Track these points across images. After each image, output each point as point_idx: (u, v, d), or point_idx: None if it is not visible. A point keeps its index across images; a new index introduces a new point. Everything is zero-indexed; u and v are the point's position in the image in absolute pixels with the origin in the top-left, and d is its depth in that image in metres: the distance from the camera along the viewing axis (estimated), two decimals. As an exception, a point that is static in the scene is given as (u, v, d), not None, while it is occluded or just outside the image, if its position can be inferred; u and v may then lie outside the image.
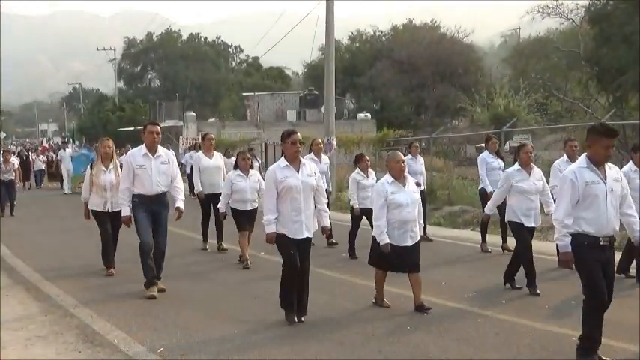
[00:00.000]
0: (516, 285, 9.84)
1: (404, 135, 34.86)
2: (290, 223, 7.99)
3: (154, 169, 9.74)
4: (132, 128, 53.37)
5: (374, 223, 8.72)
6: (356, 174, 12.87)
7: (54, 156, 39.12)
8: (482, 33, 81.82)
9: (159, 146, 9.92)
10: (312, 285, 8.39)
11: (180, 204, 9.95)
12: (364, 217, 12.58)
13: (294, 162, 8.08)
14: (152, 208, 9.73)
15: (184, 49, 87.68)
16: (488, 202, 10.85)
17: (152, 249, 9.62)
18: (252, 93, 57.05)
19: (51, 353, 7.17)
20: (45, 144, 73.28)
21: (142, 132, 9.88)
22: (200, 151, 14.14)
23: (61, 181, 32.39)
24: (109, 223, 11.48)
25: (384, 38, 56.27)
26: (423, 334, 7.65)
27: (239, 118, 58.60)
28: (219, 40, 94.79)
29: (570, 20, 40.49)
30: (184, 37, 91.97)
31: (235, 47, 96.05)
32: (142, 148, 9.81)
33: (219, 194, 12.82)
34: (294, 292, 8.10)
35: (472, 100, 38.36)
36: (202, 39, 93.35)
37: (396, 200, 8.51)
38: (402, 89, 48.33)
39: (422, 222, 9.06)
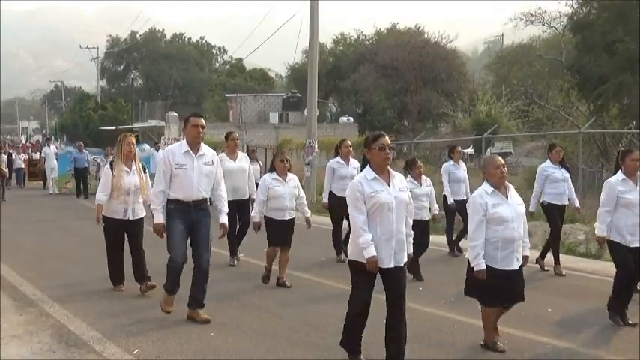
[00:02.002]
0: (630, 321, 8.43)
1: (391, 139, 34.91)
2: (378, 249, 6.36)
3: (197, 169, 8.22)
4: (114, 127, 53.13)
5: (468, 244, 7.25)
6: (407, 182, 12.37)
7: (36, 154, 38.69)
8: (466, 39, 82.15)
9: (202, 144, 8.40)
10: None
11: (225, 218, 8.55)
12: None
13: (384, 173, 6.51)
14: (190, 216, 8.23)
15: (168, 49, 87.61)
16: (598, 223, 8.77)
17: (183, 267, 8.30)
18: (234, 94, 56.95)
19: (26, 353, 7.13)
20: (24, 142, 72.82)
21: (184, 125, 8.51)
22: (222, 153, 12.29)
23: (44, 181, 31.99)
24: (123, 233, 9.96)
25: (367, 42, 56.30)
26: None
27: (221, 119, 58.43)
28: (203, 41, 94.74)
29: (553, 28, 40.79)
30: (168, 37, 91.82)
31: (219, 48, 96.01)
32: (183, 145, 8.32)
33: (245, 200, 12.08)
34: (360, 335, 6.69)
35: (454, 105, 38.51)
36: (186, 39, 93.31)
37: (499, 214, 7.10)
38: (384, 93, 48.39)
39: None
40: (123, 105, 64.63)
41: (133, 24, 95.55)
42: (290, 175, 10.61)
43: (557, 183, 11.89)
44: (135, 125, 54.82)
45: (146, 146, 32.42)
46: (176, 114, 48.05)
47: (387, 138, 6.53)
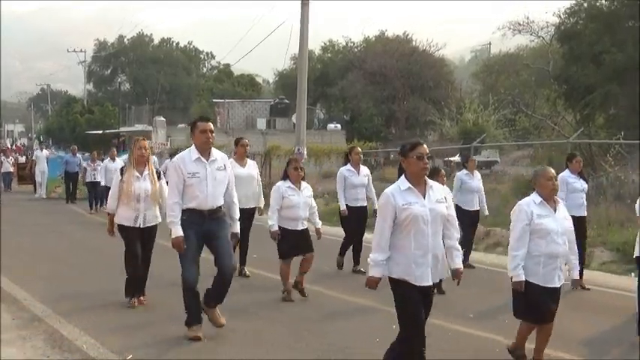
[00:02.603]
0: None
1: (374, 147, 35.06)
2: (413, 266, 5.90)
3: (210, 176, 7.75)
4: (100, 131, 53.02)
5: (510, 253, 6.84)
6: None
7: (22, 157, 38.45)
8: (453, 47, 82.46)
9: (213, 148, 7.93)
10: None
11: (237, 227, 8.16)
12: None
13: (420, 183, 6.01)
14: (204, 226, 7.74)
15: (156, 54, 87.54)
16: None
17: (196, 285, 7.73)
18: (222, 100, 56.95)
19: (19, 357, 7.13)
20: (8, 145, 72.45)
21: (191, 131, 7.92)
22: (231, 158, 11.08)
23: (34, 184, 31.78)
24: (139, 241, 9.43)
25: (356, 49, 56.41)
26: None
27: (209, 124, 58.37)
28: (191, 46, 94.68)
29: (541, 38, 40.97)
30: (156, 42, 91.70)
31: (207, 53, 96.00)
32: (193, 151, 7.81)
33: (254, 209, 11.69)
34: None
35: (442, 114, 38.67)
36: (174, 44, 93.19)
37: (544, 226, 6.76)
38: (372, 101, 48.47)
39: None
40: (110, 109, 64.47)
41: (122, 28, 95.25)
42: (304, 184, 10.22)
43: (576, 193, 11.50)
44: (122, 129, 54.70)
45: None
46: (163, 118, 48.14)
47: (425, 146, 6.04)
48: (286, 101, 49.58)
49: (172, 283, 9.23)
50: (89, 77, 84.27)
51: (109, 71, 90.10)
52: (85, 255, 14.32)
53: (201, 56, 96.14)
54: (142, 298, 9.39)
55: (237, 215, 8.18)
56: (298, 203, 9.96)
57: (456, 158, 36.87)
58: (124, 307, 9.24)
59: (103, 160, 23.54)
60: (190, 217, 7.71)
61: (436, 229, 5.99)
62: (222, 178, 7.90)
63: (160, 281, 10.08)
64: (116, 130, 54.12)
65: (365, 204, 12.65)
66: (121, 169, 9.69)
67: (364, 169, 12.68)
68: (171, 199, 7.77)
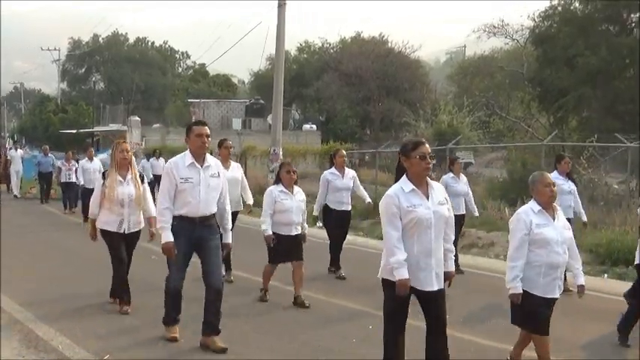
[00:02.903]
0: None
1: (350, 148, 35.10)
2: (416, 270, 5.74)
3: (203, 183, 7.49)
4: (74, 131, 52.64)
5: (508, 264, 6.61)
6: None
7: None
8: (429, 49, 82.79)
9: (207, 154, 7.69)
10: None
11: (229, 237, 7.92)
12: None
13: (422, 184, 5.86)
14: (195, 233, 7.50)
15: (130, 53, 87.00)
16: None
17: (180, 291, 7.69)
18: (197, 100, 56.79)
19: (-6, 358, 7.11)
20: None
21: (186, 134, 7.65)
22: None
23: (7, 184, 31.47)
24: (123, 247, 9.19)
25: (332, 50, 56.49)
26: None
27: (184, 124, 58.06)
28: (167, 45, 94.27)
29: (515, 41, 41.29)
30: (131, 41, 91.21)
31: (182, 53, 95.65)
32: (187, 156, 7.56)
33: (237, 213, 11.33)
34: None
35: (417, 115, 38.81)
36: (149, 43, 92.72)
37: (543, 236, 6.52)
38: (348, 102, 48.58)
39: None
40: (84, 108, 64.04)
41: (96, 27, 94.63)
42: (297, 188, 9.96)
43: (563, 195, 10.97)
44: (96, 129, 54.35)
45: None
46: (138, 118, 47.86)
47: (427, 145, 5.86)
48: (262, 102, 49.54)
49: (154, 287, 9.20)
50: (63, 76, 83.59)
51: (84, 70, 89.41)
52: (60, 256, 14.22)
53: (177, 56, 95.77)
54: (126, 308, 9.01)
55: (230, 225, 7.95)
56: (291, 207, 9.74)
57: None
58: (101, 308, 9.20)
59: (77, 160, 23.24)
60: (181, 223, 7.47)
61: (439, 231, 5.86)
62: (215, 185, 7.63)
63: (141, 285, 9.98)
64: (90, 130, 53.75)
65: (349, 208, 12.44)
66: (103, 173, 9.43)
67: (349, 172, 12.42)
68: (162, 204, 7.50)
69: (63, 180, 23.69)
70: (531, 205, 6.72)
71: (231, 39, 31.45)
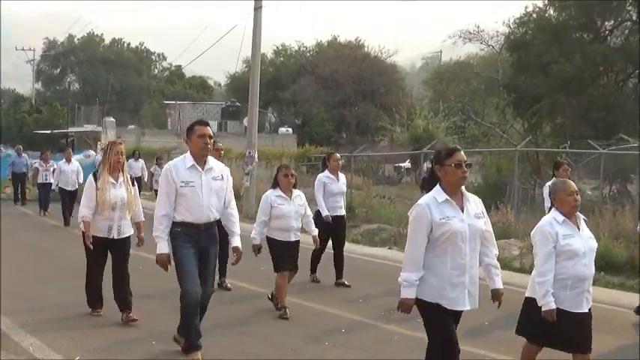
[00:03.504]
0: None
1: (325, 151, 35.13)
2: (448, 288, 5.33)
3: (205, 186, 7.03)
4: (49, 131, 52.30)
5: (536, 279, 6.09)
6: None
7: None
8: (405, 54, 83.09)
9: (209, 156, 7.22)
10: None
11: (238, 241, 7.30)
12: None
13: (457, 194, 5.44)
14: (200, 241, 7.06)
15: (106, 54, 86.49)
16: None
17: (199, 301, 6.96)
18: (173, 101, 56.69)
19: (-36, 359, 7.05)
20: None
21: (187, 135, 7.20)
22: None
23: None
24: (106, 253, 8.80)
25: (308, 54, 56.59)
26: (344, 351, 7.78)
27: (159, 126, 58.07)
28: (142, 47, 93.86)
29: (490, 47, 41.53)
30: (107, 42, 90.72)
31: (158, 55, 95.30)
32: (187, 158, 7.10)
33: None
34: None
35: (392, 119, 38.95)
36: (125, 44, 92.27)
37: (571, 247, 6.09)
38: (324, 105, 48.71)
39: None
40: (59, 109, 63.62)
41: (72, 27, 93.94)
42: (296, 192, 9.48)
43: None
44: (71, 130, 54.05)
45: (91, 152, 31.60)
46: (113, 119, 47.69)
47: (462, 152, 5.46)
48: (238, 104, 49.54)
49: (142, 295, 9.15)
50: (38, 76, 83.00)
51: (58, 70, 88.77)
52: (36, 258, 14.10)
53: (153, 57, 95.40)
54: (131, 314, 8.53)
55: (238, 229, 7.37)
56: (289, 212, 9.28)
57: (407, 164, 37.18)
58: (73, 308, 9.13)
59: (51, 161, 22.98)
60: (185, 230, 7.01)
61: (474, 246, 5.45)
62: (218, 189, 7.15)
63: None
64: (65, 131, 53.43)
65: (344, 213, 12.19)
66: (94, 174, 8.78)
67: (343, 177, 12.14)
68: (160, 210, 7.00)
69: (40, 181, 23.01)
70: (554, 216, 6.26)
71: (208, 41, 31.35)
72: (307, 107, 49.13)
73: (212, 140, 7.14)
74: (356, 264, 14.02)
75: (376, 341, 8.21)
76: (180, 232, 7.01)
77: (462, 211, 5.42)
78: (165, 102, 61.13)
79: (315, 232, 9.89)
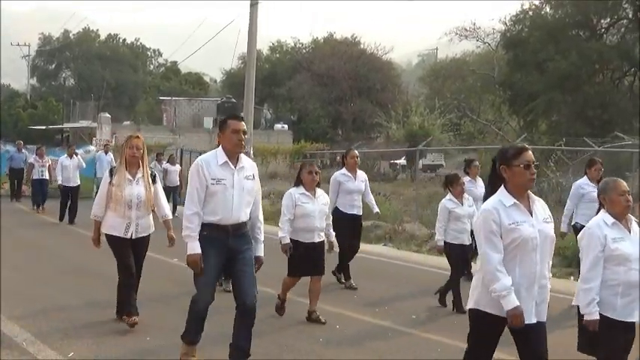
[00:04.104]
0: None
1: (320, 148, 35.19)
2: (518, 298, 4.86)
3: (237, 185, 6.51)
4: (44, 127, 52.20)
5: (581, 286, 5.59)
6: (447, 200, 9.98)
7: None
8: (401, 50, 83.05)
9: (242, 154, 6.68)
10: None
11: (262, 250, 6.86)
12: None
13: (524, 197, 5.03)
14: (228, 244, 6.51)
15: (101, 49, 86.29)
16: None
17: (206, 312, 6.60)
18: (169, 97, 56.57)
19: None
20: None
21: (219, 130, 6.68)
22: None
23: None
24: (131, 254, 8.23)
25: (304, 50, 56.55)
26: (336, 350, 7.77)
27: (155, 122, 57.99)
28: (138, 42, 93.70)
29: (486, 44, 41.59)
30: (102, 37, 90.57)
31: (154, 50, 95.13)
32: (219, 154, 6.55)
33: None
34: None
35: (388, 116, 38.98)
36: (121, 40, 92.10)
37: (621, 251, 5.54)
38: (319, 102, 48.68)
39: None
40: (54, 104, 63.47)
41: (67, 23, 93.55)
42: (319, 191, 8.89)
43: (592, 203, 9.38)
44: (66, 125, 53.94)
45: (91, 147, 31.31)
46: (108, 115, 47.53)
47: (530, 151, 5.03)
48: (233, 100, 49.42)
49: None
50: (33, 71, 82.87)
51: (54, 66, 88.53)
52: (34, 256, 13.97)
53: (148, 53, 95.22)
54: (134, 318, 8.03)
55: (262, 237, 6.92)
56: (313, 212, 8.68)
57: (402, 161, 37.19)
58: (66, 303, 9.10)
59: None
60: (212, 232, 6.48)
61: (544, 254, 4.99)
62: (250, 189, 6.65)
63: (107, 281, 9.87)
64: (60, 126, 53.33)
65: (361, 212, 11.49)
66: (110, 170, 8.33)
67: (361, 174, 11.48)
68: (190, 208, 6.46)
69: (36, 177, 22.41)
70: (603, 217, 5.71)
71: (204, 37, 31.33)
72: (303, 104, 49.11)
73: (246, 136, 6.63)
74: (352, 261, 13.98)
75: (376, 340, 8.18)
76: (207, 235, 6.46)
77: (531, 215, 5.00)
78: (161, 98, 60.99)
79: (333, 236, 9.30)
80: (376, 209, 11.89)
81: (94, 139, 42.23)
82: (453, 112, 38.11)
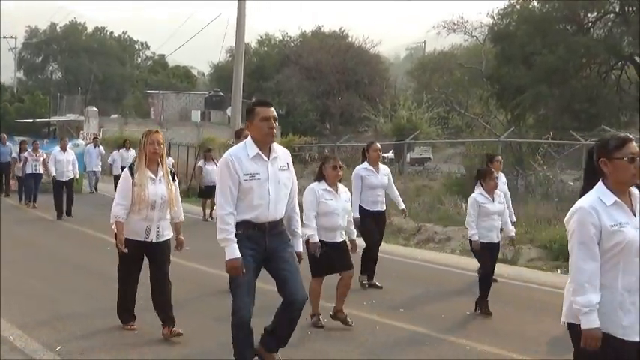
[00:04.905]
0: None
1: (309, 142, 35.16)
2: (620, 313, 4.14)
3: (272, 178, 5.96)
4: (31, 120, 52.02)
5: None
6: (477, 195, 9.32)
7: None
8: (389, 44, 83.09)
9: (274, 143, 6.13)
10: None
11: (300, 245, 6.41)
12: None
13: (625, 196, 4.29)
14: (264, 244, 5.97)
15: (89, 42, 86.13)
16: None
17: (250, 320, 5.92)
18: (156, 91, 56.47)
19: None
20: None
21: (248, 119, 6.07)
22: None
23: None
24: (142, 258, 7.64)
25: (292, 44, 56.50)
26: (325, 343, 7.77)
27: (142, 115, 57.82)
28: (126, 36, 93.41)
29: (474, 38, 41.59)
30: (89, 30, 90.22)
31: (142, 44, 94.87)
32: (249, 145, 5.99)
33: None
34: None
35: (376, 110, 38.98)
36: (108, 33, 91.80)
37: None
38: (308, 96, 48.70)
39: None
40: (41, 98, 63.32)
41: (54, 16, 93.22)
42: (342, 187, 8.38)
43: None
44: (53, 119, 53.76)
45: (80, 141, 30.96)
46: (96, 109, 47.44)
47: (635, 144, 4.26)
48: (221, 94, 49.46)
49: (107, 277, 9.08)
50: (19, 65, 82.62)
51: (41, 59, 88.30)
52: (31, 253, 13.74)
53: (136, 46, 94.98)
54: (174, 328, 7.43)
55: (300, 230, 6.50)
56: (336, 209, 8.12)
57: (390, 154, 37.24)
58: (52, 297, 9.10)
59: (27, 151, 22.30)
60: (247, 232, 5.92)
61: None
62: (285, 181, 6.10)
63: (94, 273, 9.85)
64: (47, 120, 53.15)
65: (384, 208, 10.92)
66: (130, 168, 7.61)
67: (384, 168, 10.85)
68: (224, 208, 5.87)
69: (29, 171, 21.72)
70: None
71: (191, 30, 31.26)
72: (291, 97, 49.10)
73: (276, 123, 6.07)
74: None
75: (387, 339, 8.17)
76: (241, 234, 5.88)
77: (634, 215, 4.27)
78: (149, 91, 60.91)
79: (354, 234, 8.70)
80: (402, 205, 11.34)
81: (82, 132, 42.09)
82: (441, 105, 38.11)
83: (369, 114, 39.57)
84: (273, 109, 6.03)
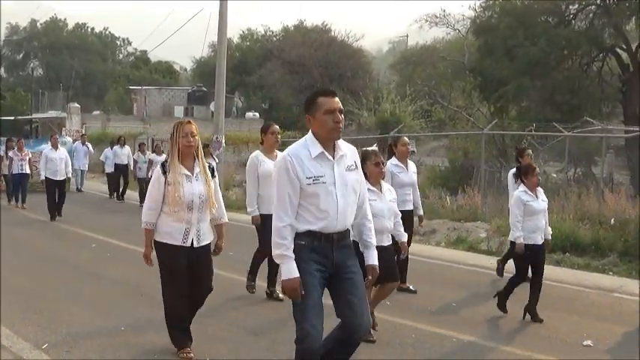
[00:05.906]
0: None
1: (292, 136, 35.13)
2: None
3: (340, 181, 5.06)
4: (12, 117, 51.67)
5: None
6: (521, 192, 8.67)
7: None
8: (371, 38, 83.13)
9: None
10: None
11: (375, 258, 5.43)
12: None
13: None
14: (332, 258, 5.08)
15: (70, 39, 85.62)
16: None
17: (320, 350, 4.94)
18: (139, 87, 56.26)
19: None
20: None
21: (308, 111, 5.16)
22: (258, 151, 9.04)
23: None
24: (183, 269, 6.61)
25: (274, 38, 56.48)
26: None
27: (125, 111, 57.62)
28: (107, 32, 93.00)
29: (457, 31, 41.71)
30: (70, 27, 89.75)
31: (123, 39, 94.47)
32: (311, 143, 5.09)
33: None
34: None
35: (359, 104, 39.00)
36: (89, 29, 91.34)
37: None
38: (291, 90, 48.70)
39: None
40: (22, 95, 62.96)
41: (34, 12, 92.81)
42: (385, 185, 7.67)
43: None
44: (35, 116, 53.44)
45: (67, 139, 30.56)
46: (78, 105, 47.22)
47: None
48: (204, 89, 49.38)
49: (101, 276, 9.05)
50: (0, 62, 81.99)
51: (21, 56, 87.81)
52: (13, 250, 13.60)
53: (118, 42, 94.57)
54: (188, 349, 6.77)
55: (374, 241, 5.50)
56: (382, 211, 7.29)
57: (374, 148, 37.22)
58: (39, 295, 9.07)
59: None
60: (311, 244, 5.05)
61: None
62: (354, 183, 5.19)
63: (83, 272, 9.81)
64: (29, 117, 52.85)
65: (412, 207, 10.11)
66: (163, 165, 6.64)
67: (412, 165, 10.20)
68: (282, 219, 4.99)
69: (15, 171, 21.02)
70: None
71: (173, 26, 31.15)
72: (274, 92, 49.12)
73: (342, 116, 5.12)
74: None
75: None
76: (306, 246, 5.04)
77: None
78: (131, 87, 60.61)
79: (405, 236, 8.03)
80: (421, 211, 10.55)
81: (64, 129, 41.86)
82: (424, 98, 38.19)
83: (353, 107, 39.60)
84: (337, 99, 5.13)
